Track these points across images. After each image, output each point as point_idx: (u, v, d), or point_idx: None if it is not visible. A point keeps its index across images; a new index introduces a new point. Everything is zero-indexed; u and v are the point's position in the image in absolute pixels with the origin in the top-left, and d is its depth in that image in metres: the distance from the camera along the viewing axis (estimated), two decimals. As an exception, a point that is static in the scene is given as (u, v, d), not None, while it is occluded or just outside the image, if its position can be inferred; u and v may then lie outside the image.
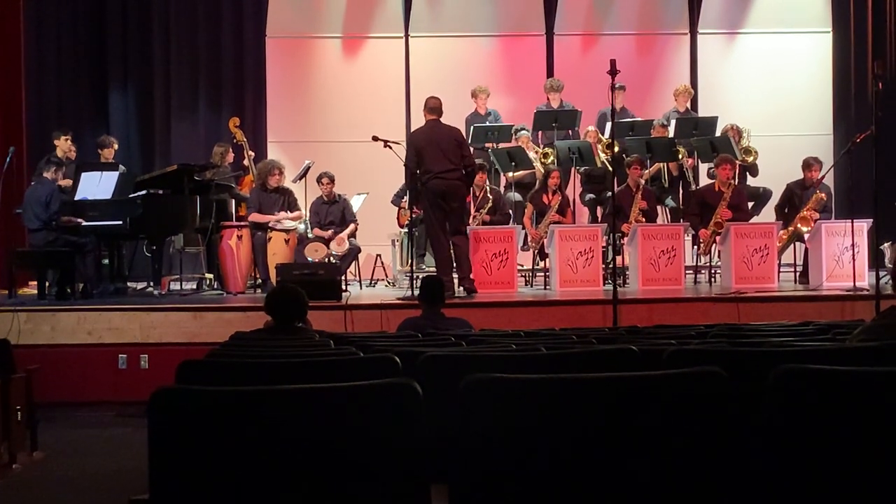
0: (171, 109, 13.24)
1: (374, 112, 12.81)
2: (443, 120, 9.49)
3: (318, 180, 10.92)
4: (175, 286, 10.55)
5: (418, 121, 13.06)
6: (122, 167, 11.06)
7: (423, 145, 9.25)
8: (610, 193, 9.67)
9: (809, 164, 10.63)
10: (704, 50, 13.60)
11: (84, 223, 9.57)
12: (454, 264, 9.37)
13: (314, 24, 13.40)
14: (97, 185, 9.87)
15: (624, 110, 11.85)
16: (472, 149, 10.20)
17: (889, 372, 2.45)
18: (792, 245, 10.68)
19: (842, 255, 9.85)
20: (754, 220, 10.80)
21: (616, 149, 9.67)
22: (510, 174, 11.16)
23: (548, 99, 12.04)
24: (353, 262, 11.01)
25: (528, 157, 11.04)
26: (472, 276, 9.43)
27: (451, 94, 12.84)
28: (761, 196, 11.32)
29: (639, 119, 11.86)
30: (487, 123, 11.66)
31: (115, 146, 11.39)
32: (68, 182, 10.24)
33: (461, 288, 9.35)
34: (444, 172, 9.15)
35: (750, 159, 11.30)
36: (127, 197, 9.75)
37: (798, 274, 10.63)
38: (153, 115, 13.23)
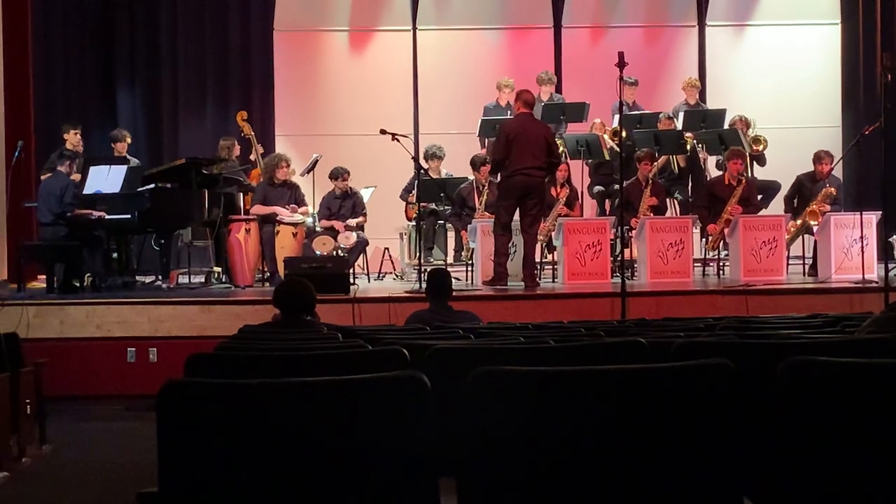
0: (178, 103, 13.23)
1: (382, 105, 12.82)
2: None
3: (334, 177, 10.88)
4: (183, 280, 10.55)
5: (426, 114, 13.17)
6: (135, 160, 11.08)
7: (515, 137, 9.13)
8: (617, 186, 9.65)
9: (821, 158, 10.56)
10: (713, 42, 13.57)
11: (96, 216, 9.59)
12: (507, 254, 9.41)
13: (322, 18, 13.40)
14: (105, 179, 9.88)
15: (636, 105, 11.81)
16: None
17: (898, 364, 2.45)
18: (800, 237, 10.65)
19: (850, 248, 9.82)
20: (762, 212, 10.77)
21: (623, 134, 9.65)
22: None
23: (540, 91, 11.91)
24: (361, 256, 11.01)
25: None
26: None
27: (459, 86, 12.90)
28: (770, 188, 11.29)
29: (646, 112, 11.82)
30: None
31: (129, 140, 11.40)
32: (77, 176, 10.24)
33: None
34: (530, 169, 9.08)
35: (760, 148, 11.25)
36: (135, 191, 9.76)
37: (807, 266, 10.60)
38: (160, 109, 13.22)
